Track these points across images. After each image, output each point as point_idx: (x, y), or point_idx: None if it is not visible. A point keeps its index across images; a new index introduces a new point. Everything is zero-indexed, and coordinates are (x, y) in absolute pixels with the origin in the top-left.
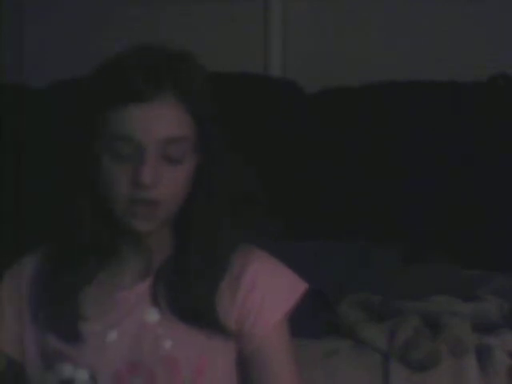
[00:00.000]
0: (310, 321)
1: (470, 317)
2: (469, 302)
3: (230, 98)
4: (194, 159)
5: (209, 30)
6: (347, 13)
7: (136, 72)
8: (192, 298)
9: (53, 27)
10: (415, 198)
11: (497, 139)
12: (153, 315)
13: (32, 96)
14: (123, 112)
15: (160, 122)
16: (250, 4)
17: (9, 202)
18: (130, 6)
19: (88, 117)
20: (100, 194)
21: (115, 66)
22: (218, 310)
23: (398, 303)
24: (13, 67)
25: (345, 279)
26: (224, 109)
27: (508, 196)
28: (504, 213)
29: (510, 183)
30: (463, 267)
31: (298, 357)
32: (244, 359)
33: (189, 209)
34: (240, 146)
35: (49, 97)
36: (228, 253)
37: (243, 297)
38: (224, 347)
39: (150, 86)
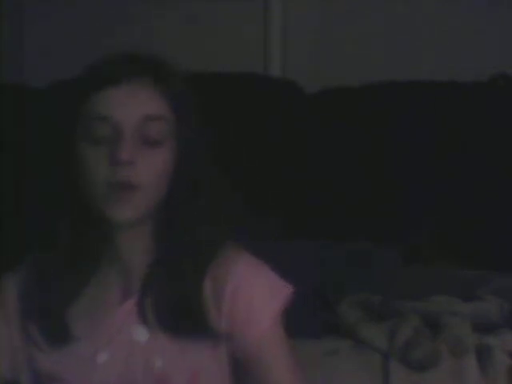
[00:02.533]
0: (310, 321)
1: (470, 317)
2: (469, 302)
3: (229, 97)
4: (172, 145)
5: (209, 30)
6: (347, 13)
7: (113, 59)
8: (181, 314)
9: (53, 27)
10: (415, 197)
11: (497, 139)
12: (141, 334)
13: (32, 96)
14: (101, 95)
15: (137, 100)
16: (249, 4)
17: (9, 202)
18: (130, 6)
19: (66, 106)
20: (79, 194)
21: (95, 61)
22: (207, 317)
23: (398, 303)
24: (13, 67)
25: (345, 279)
26: (224, 109)
27: (508, 196)
28: (504, 213)
29: (510, 183)
30: (463, 267)
31: (298, 357)
32: (239, 365)
33: (168, 209)
34: (240, 145)
35: (49, 97)
36: (211, 252)
37: (229, 305)
38: (215, 357)
39: (127, 68)
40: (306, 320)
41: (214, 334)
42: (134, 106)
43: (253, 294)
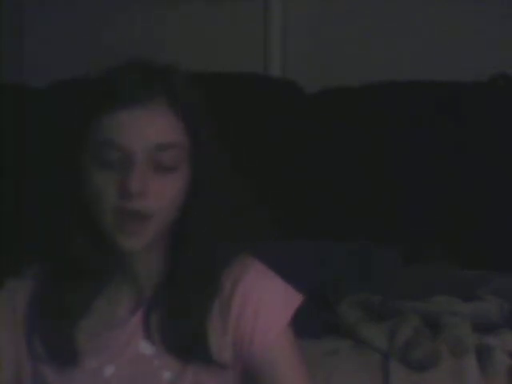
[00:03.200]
0: (310, 321)
1: (470, 317)
2: (469, 302)
3: (229, 98)
4: (187, 169)
5: (209, 30)
6: (347, 13)
7: (125, 79)
8: (183, 336)
9: (53, 27)
10: (415, 197)
11: (497, 139)
12: (147, 348)
13: (32, 96)
14: (111, 118)
15: (150, 127)
16: (249, 4)
17: (9, 202)
18: (130, 6)
19: (75, 125)
20: (88, 210)
21: (104, 75)
22: (211, 339)
23: (398, 303)
24: (13, 67)
25: (345, 279)
26: (224, 109)
27: (508, 196)
28: (504, 213)
29: (510, 183)
30: (463, 267)
31: None
32: (249, 376)
33: (181, 229)
34: (240, 146)
35: (49, 97)
36: (219, 274)
37: (236, 317)
38: (222, 370)
39: (139, 91)
40: (305, 320)
41: (218, 362)
42: (146, 134)
43: (261, 302)
